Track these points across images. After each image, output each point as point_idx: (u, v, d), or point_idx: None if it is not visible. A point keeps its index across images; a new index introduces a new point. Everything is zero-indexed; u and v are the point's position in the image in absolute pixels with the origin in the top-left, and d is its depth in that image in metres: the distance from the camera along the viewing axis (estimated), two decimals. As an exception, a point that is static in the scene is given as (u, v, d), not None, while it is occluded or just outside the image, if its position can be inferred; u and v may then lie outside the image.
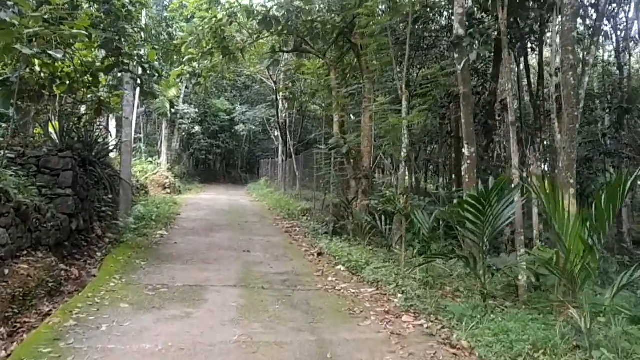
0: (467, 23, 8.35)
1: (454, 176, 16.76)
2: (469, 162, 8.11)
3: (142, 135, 31.19)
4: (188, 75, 13.07)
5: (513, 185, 6.11)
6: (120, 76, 11.17)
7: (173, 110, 29.00)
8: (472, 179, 8.15)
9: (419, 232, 7.35)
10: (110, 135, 13.34)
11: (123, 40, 9.25)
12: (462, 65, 8.02)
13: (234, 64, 16.47)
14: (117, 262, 7.74)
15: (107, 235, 10.28)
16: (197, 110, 32.66)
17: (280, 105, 26.09)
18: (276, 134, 32.36)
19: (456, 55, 8.21)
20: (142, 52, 9.59)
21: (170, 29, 17.78)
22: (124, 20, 9.15)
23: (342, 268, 8.06)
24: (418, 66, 15.53)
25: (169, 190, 23.18)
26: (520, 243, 6.33)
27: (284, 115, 26.33)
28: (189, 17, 14.80)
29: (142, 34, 9.68)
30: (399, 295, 6.33)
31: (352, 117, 15.14)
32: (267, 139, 40.36)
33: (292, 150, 26.14)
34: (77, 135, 10.97)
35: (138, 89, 10.61)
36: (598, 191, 9.19)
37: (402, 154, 10.48)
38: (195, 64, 13.38)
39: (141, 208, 12.46)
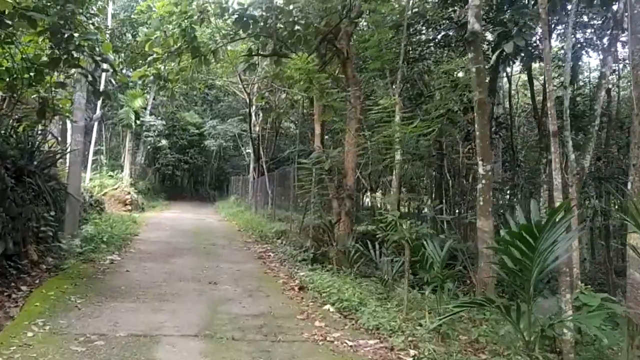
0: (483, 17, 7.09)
1: (434, 196, 15.72)
2: (484, 181, 6.81)
3: (103, 147, 29.18)
4: (152, 78, 11.47)
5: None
6: (71, 73, 9.58)
7: (138, 122, 27.16)
8: (487, 202, 6.83)
9: (426, 264, 5.95)
10: (58, 143, 11.58)
11: (72, 26, 7.69)
12: (477, 66, 6.74)
13: (206, 69, 14.97)
14: (46, 298, 6.06)
15: (45, 260, 8.57)
16: (164, 122, 30.86)
17: (254, 118, 24.60)
18: (247, 150, 30.82)
19: (470, 55, 6.94)
20: (94, 43, 8.00)
21: (135, 31, 16.18)
22: (73, 3, 7.59)
23: (332, 308, 6.55)
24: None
25: (130, 207, 21.30)
26: (566, 285, 4.98)
27: (257, 129, 24.83)
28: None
29: (95, 20, 8.06)
30: (411, 352, 4.88)
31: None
32: (238, 156, 38.74)
33: (264, 167, 24.62)
34: (16, 140, 9.31)
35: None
36: None
37: (394, 170, 9.20)
38: (160, 66, 11.81)
39: (91, 228, 10.70)
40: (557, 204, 5.14)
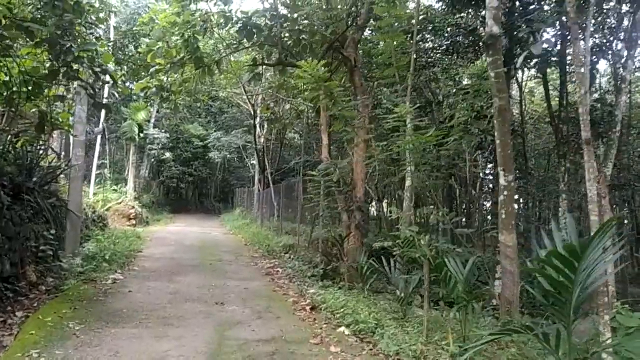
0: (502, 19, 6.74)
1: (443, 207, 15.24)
2: (506, 193, 6.41)
3: (107, 161, 28.91)
4: (154, 89, 11.16)
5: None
6: (70, 85, 9.30)
7: (142, 135, 26.91)
8: (510, 214, 6.43)
9: (448, 282, 5.54)
10: (59, 158, 11.26)
11: (70, 37, 7.38)
12: (497, 71, 6.37)
13: (209, 80, 14.66)
14: (42, 325, 5.67)
15: (44, 281, 8.22)
16: (168, 135, 30.60)
17: (258, 130, 24.29)
18: (252, 161, 30.49)
19: (489, 59, 6.57)
20: (93, 54, 7.68)
21: (137, 43, 15.93)
22: (71, 13, 7.28)
23: (347, 331, 6.13)
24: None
25: (134, 222, 20.96)
26: (604, 305, 4.57)
27: (262, 140, 24.51)
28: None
29: (95, 30, 7.75)
30: (438, 382, 4.47)
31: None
32: (242, 167, 38.43)
33: (270, 178, 24.27)
34: (14, 156, 9.02)
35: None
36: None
37: (407, 182, 8.83)
38: (163, 77, 11.51)
39: (92, 245, 10.34)
40: (592, 217, 4.75)
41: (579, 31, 5.46)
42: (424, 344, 5.32)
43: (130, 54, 14.85)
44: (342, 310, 6.82)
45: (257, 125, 23.89)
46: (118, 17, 19.57)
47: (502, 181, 6.41)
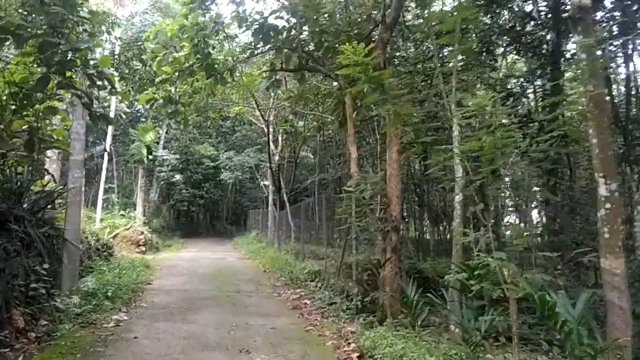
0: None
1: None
2: (608, 206, 5.01)
3: (115, 185, 27.81)
4: (161, 101, 9.94)
5: None
6: (64, 96, 8.09)
7: (151, 157, 25.81)
8: (615, 234, 5.03)
9: (555, 325, 4.12)
10: (55, 181, 10.02)
11: (61, 36, 6.18)
12: (589, 49, 5.02)
13: (220, 94, 13.45)
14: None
15: (35, 326, 6.94)
16: (178, 156, 29.46)
17: (272, 147, 23.04)
18: (265, 182, 29.20)
19: (577, 37, 5.23)
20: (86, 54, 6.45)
21: (142, 54, 14.79)
22: (61, 6, 6.08)
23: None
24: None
25: (143, 249, 19.67)
26: None
27: (276, 158, 23.24)
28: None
29: (88, 25, 6.51)
30: None
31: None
32: (255, 188, 37.17)
33: (286, 198, 22.93)
34: (1, 180, 7.84)
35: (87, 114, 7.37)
36: None
37: (456, 197, 7.47)
38: (171, 88, 10.31)
39: (93, 280, 8.99)
40: None
41: None
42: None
43: (136, 68, 13.67)
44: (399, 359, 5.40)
45: (272, 143, 22.66)
46: (123, 38, 18.62)
47: (602, 191, 5.02)
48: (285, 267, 13.94)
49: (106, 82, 6.70)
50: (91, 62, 6.50)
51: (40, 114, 7.36)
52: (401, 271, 9.99)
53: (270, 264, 15.64)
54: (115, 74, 10.52)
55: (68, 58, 6.37)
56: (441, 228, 20.42)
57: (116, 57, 14.58)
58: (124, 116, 23.72)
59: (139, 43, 16.30)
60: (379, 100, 7.09)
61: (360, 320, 7.68)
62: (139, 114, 28.08)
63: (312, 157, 30.75)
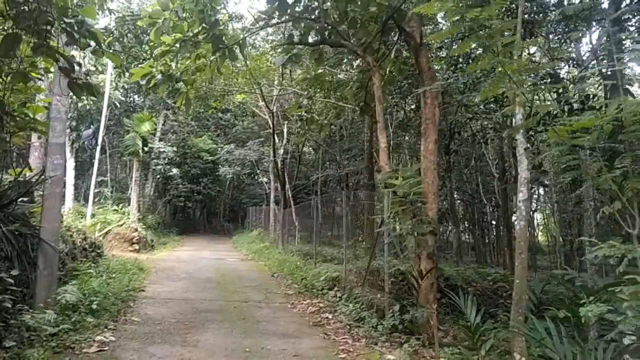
0: None
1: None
2: None
3: (107, 179, 26.24)
4: (159, 77, 8.41)
5: None
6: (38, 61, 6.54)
7: (146, 149, 24.23)
8: None
9: None
10: (30, 169, 8.46)
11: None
12: None
13: (229, 70, 11.91)
14: None
15: (-5, 351, 5.44)
16: (175, 149, 27.83)
17: (277, 141, 21.49)
18: (266, 179, 27.63)
19: None
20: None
21: (138, 31, 13.20)
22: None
23: None
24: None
25: (137, 247, 18.13)
26: None
27: (281, 152, 21.70)
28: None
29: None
30: None
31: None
32: (254, 184, 35.60)
33: (290, 195, 21.44)
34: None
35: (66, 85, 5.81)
36: None
37: (519, 195, 6.09)
38: (172, 62, 8.79)
39: (75, 289, 7.40)
40: None
41: None
42: None
43: (131, 44, 12.12)
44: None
45: (276, 136, 21.12)
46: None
47: None
48: (295, 271, 12.42)
49: (90, 40, 5.17)
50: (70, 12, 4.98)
51: (8, 81, 5.82)
52: (438, 281, 8.60)
53: (278, 267, 14.11)
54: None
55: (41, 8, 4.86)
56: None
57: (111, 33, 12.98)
58: (117, 105, 22.12)
59: (136, 14, 14.74)
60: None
61: (405, 346, 6.20)
62: (134, 104, 26.52)
63: (312, 152, 29.24)
